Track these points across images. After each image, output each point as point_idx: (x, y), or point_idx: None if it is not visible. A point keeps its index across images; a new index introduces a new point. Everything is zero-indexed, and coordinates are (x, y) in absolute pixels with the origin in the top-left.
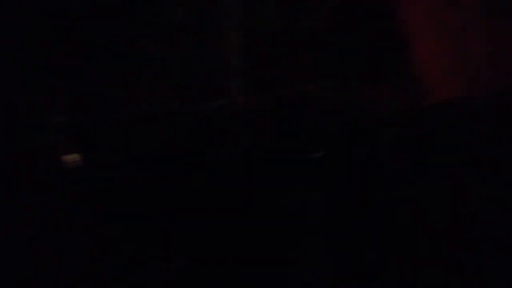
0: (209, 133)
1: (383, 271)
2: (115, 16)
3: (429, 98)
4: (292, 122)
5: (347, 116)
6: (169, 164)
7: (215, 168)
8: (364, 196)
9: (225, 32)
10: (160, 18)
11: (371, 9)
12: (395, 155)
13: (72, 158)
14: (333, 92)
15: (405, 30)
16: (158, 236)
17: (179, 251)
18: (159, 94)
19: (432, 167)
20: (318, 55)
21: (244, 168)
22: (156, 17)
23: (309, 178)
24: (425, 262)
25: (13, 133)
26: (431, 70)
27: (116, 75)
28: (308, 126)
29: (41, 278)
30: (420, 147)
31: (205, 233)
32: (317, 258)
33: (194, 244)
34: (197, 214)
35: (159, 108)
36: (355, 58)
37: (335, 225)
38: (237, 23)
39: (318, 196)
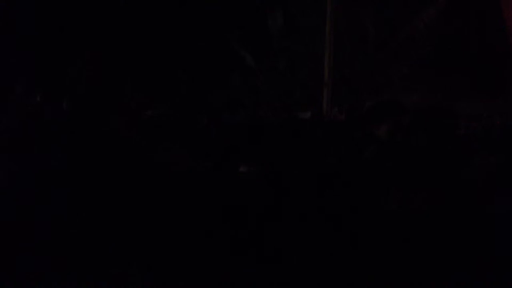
0: (297, 143)
1: None
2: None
3: None
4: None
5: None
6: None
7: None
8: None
9: (318, 42)
10: (258, 27)
11: (476, 20)
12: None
13: None
14: (432, 102)
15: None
16: None
17: None
18: (250, 103)
19: None
20: (416, 65)
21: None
22: (254, 26)
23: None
24: None
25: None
26: None
27: (211, 82)
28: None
29: None
30: None
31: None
32: None
33: None
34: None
35: (251, 117)
36: (457, 68)
37: None
38: (331, 34)
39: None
